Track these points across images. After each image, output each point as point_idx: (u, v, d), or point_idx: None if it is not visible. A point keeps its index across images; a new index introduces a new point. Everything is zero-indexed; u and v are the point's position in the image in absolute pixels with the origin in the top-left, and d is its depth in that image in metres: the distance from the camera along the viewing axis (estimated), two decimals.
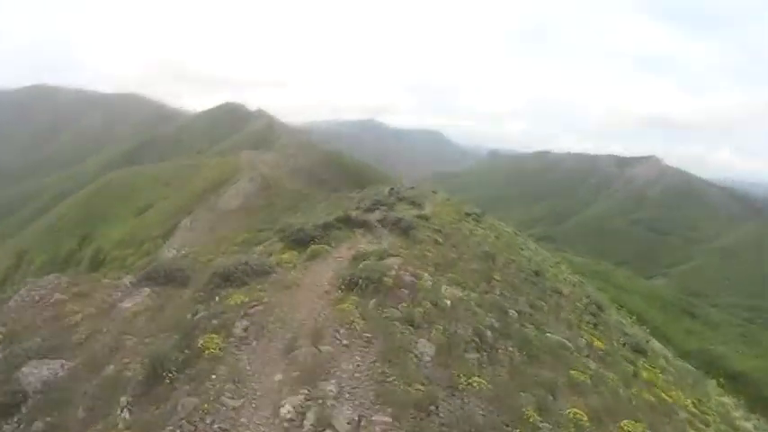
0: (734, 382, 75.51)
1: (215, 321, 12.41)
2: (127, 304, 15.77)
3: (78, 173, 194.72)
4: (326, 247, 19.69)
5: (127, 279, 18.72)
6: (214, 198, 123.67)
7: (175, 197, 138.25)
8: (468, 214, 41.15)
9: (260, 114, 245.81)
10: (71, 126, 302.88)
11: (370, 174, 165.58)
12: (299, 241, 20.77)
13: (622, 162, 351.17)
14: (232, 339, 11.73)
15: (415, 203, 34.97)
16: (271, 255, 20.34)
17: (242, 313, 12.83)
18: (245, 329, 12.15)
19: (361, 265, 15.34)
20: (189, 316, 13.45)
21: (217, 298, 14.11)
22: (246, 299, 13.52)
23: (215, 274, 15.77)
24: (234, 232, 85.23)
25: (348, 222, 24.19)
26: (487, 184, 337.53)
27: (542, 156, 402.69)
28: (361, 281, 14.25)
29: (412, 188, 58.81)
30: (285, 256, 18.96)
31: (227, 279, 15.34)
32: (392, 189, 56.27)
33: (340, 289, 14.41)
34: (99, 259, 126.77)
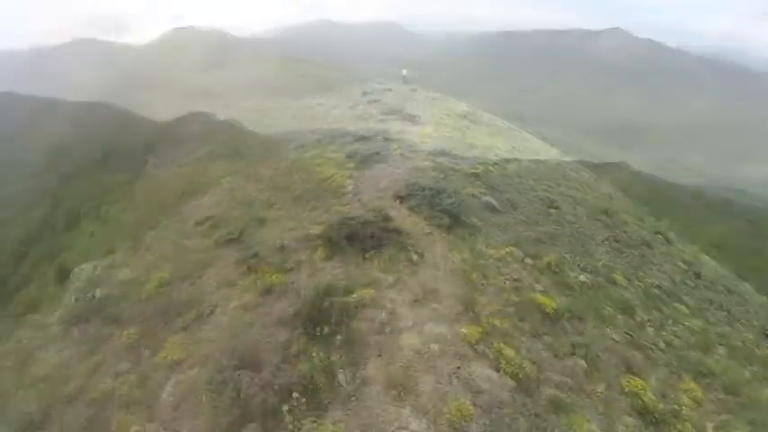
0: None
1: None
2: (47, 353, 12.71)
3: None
4: None
5: (56, 316, 15.43)
6: (173, 129, 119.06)
7: (137, 136, 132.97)
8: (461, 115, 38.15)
9: (209, 34, 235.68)
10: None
11: (330, 76, 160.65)
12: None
13: (587, 34, 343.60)
14: None
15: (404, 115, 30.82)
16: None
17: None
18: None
19: None
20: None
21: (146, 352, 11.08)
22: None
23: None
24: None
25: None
26: (450, 68, 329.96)
27: (505, 35, 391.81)
28: None
29: (384, 85, 53.63)
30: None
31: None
32: (365, 92, 51.83)
33: None
34: (73, 216, 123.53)
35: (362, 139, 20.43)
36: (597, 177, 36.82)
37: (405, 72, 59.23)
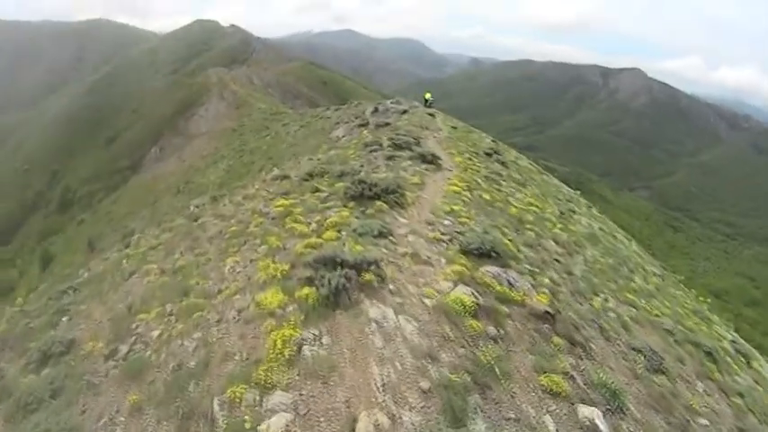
0: (716, 298, 74.15)
1: None
2: None
3: (45, 108, 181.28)
4: None
5: None
6: (183, 122, 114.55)
7: (143, 124, 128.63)
8: (488, 154, 31.38)
9: (234, 30, 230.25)
10: (36, 61, 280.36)
11: (347, 86, 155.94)
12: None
13: (606, 73, 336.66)
14: None
15: (422, 154, 22.78)
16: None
17: None
18: None
19: None
20: None
21: None
22: None
23: None
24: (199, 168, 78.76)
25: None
26: (468, 93, 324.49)
27: (526, 64, 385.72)
28: None
29: (400, 105, 46.63)
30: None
31: None
32: (376, 109, 45.66)
33: None
34: (68, 198, 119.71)
35: (355, 201, 14.23)
36: None
37: (428, 96, 52.70)
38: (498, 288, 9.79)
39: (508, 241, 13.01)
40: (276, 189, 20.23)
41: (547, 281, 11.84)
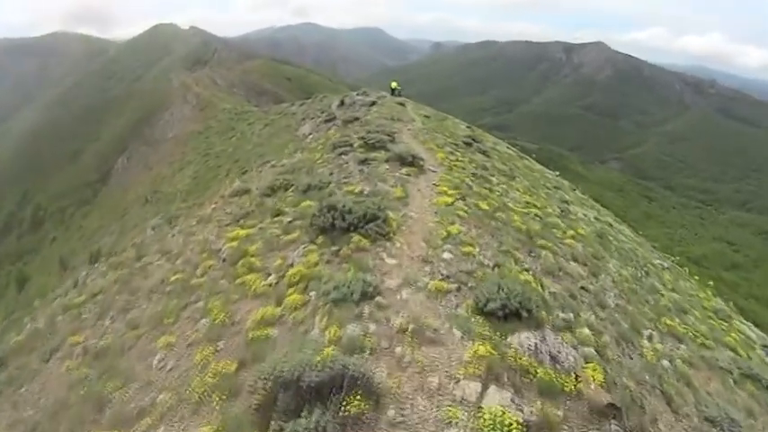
0: (695, 265, 73.05)
1: None
2: None
3: (9, 127, 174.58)
4: None
5: None
6: (148, 129, 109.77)
7: (109, 134, 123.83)
8: (468, 144, 27.81)
9: (194, 32, 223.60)
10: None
11: (312, 79, 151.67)
12: None
13: (570, 48, 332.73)
14: None
15: (401, 154, 18.54)
16: None
17: None
18: None
19: None
20: None
21: None
22: None
23: None
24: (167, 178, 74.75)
25: None
26: (434, 77, 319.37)
27: (488, 45, 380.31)
28: None
29: (367, 97, 42.45)
30: None
31: None
32: (342, 102, 41.77)
33: None
34: (39, 217, 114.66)
35: (325, 235, 10.58)
36: None
37: (394, 85, 48.64)
38: (541, 372, 6.50)
39: (530, 278, 9.67)
40: (234, 210, 16.82)
41: (586, 332, 8.66)
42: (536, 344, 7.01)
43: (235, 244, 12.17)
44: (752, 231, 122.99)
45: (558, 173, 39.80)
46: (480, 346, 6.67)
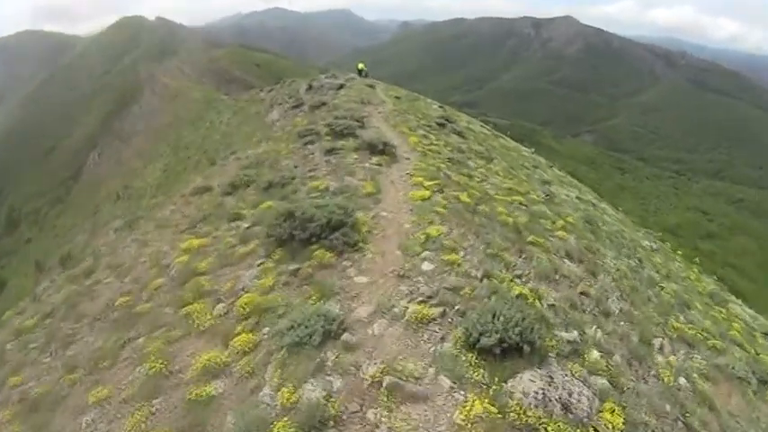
0: (671, 235, 72.87)
1: None
2: None
3: None
4: None
5: None
6: (118, 123, 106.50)
7: (80, 130, 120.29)
8: (441, 125, 26.13)
9: (160, 23, 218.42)
10: None
11: (282, 64, 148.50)
12: None
13: (539, 23, 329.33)
14: None
15: (371, 142, 17.82)
16: None
17: None
18: None
19: None
20: None
21: None
22: None
23: None
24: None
25: None
26: (403, 57, 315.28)
27: (457, 23, 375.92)
28: None
29: (336, 80, 40.39)
30: None
31: None
32: (310, 86, 39.76)
33: None
34: (14, 217, 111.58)
35: (284, 248, 8.99)
36: None
37: (361, 66, 46.68)
38: (552, 430, 4.94)
39: (526, 291, 8.09)
40: (192, 212, 15.14)
41: (596, 355, 7.18)
42: (543, 389, 5.46)
43: (185, 258, 10.53)
44: (725, 200, 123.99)
45: (533, 149, 38.45)
46: (476, 402, 5.11)
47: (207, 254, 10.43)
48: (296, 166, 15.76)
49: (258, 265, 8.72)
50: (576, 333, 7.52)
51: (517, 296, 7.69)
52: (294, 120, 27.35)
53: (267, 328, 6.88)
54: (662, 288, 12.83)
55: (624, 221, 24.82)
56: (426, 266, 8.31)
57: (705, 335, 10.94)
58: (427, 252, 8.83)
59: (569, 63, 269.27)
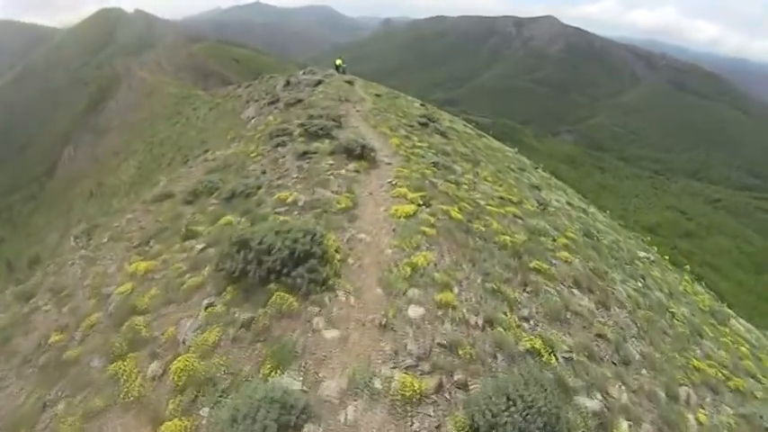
0: (651, 233, 72.51)
1: None
2: None
3: None
4: None
5: None
6: (94, 118, 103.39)
7: (55, 125, 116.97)
8: (423, 125, 24.39)
9: (139, 15, 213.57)
10: None
11: (262, 60, 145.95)
12: None
13: (521, 22, 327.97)
14: None
15: (348, 146, 14.75)
16: None
17: None
18: None
19: None
20: None
21: None
22: None
23: None
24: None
25: None
26: (384, 54, 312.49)
27: (438, 20, 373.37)
28: None
29: (314, 76, 38.49)
30: None
31: None
32: (288, 83, 37.86)
33: None
34: None
35: (237, 285, 7.38)
36: None
37: (339, 62, 44.65)
38: None
39: (537, 342, 6.42)
40: (149, 223, 13.34)
41: (624, 427, 5.74)
42: None
43: (128, 288, 8.70)
44: (703, 200, 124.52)
45: (516, 149, 36.97)
46: None
47: (152, 283, 8.65)
48: (264, 172, 13.98)
49: (205, 309, 6.93)
50: (599, 398, 5.94)
51: (528, 351, 6.08)
52: (267, 118, 25.50)
53: (206, 410, 5.14)
54: (673, 315, 11.30)
55: (615, 227, 23.39)
56: (414, 312, 6.60)
57: (725, 373, 9.54)
58: (414, 290, 7.10)
59: (551, 62, 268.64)
